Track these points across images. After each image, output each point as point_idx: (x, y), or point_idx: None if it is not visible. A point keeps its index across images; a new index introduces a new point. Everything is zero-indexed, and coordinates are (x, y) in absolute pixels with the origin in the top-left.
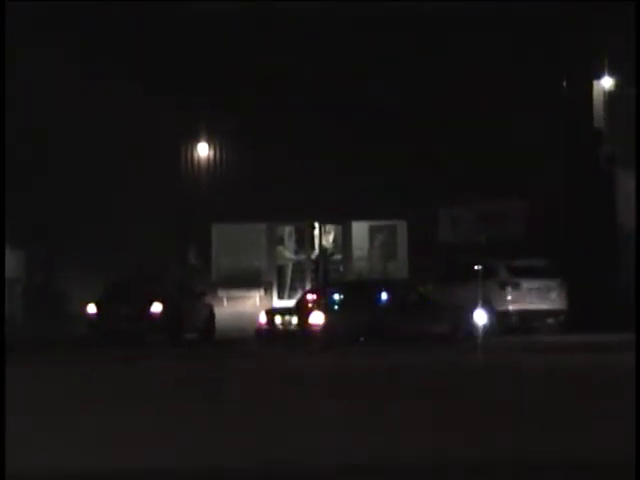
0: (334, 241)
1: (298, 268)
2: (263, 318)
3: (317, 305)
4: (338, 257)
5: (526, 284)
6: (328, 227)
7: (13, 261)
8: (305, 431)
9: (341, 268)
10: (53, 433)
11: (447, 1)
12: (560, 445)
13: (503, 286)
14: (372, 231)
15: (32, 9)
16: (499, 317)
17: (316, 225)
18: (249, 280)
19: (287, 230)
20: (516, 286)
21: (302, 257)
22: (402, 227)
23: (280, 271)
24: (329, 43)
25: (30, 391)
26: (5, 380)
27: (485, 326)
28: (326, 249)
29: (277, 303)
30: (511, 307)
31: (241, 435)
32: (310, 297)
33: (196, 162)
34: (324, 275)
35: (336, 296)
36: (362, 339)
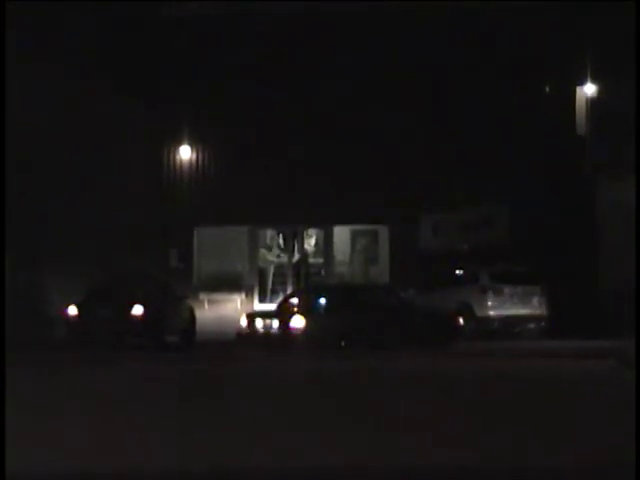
0: (316, 245)
1: (280, 271)
2: (244, 321)
3: (298, 309)
4: (319, 261)
5: (507, 289)
6: (310, 231)
7: None
8: (281, 437)
9: (322, 272)
10: (31, 434)
11: (428, 0)
12: (552, 453)
13: (484, 291)
14: (354, 235)
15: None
16: (480, 322)
17: (298, 229)
18: (230, 283)
19: (269, 233)
20: (497, 291)
21: (284, 260)
22: (384, 232)
23: (262, 274)
24: (314, 45)
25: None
26: (5, 381)
27: (466, 331)
28: (307, 253)
29: (258, 306)
30: (492, 312)
31: (211, 440)
32: (291, 301)
33: (178, 165)
34: (305, 279)
35: (317, 300)
36: (343, 344)
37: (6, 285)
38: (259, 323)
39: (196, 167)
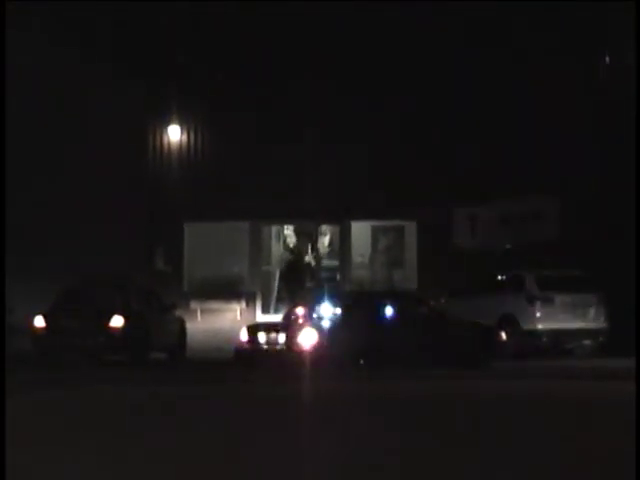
0: (330, 244)
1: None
2: (244, 335)
3: (308, 321)
4: (334, 263)
5: (559, 298)
6: (323, 227)
7: None
8: None
9: (338, 276)
10: None
11: None
12: None
13: (531, 300)
14: (375, 233)
15: None
16: (526, 337)
17: (309, 225)
18: (228, 290)
19: (274, 231)
20: (547, 301)
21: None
22: (411, 229)
23: (265, 279)
24: (320, 18)
25: None
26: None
27: (509, 348)
28: (320, 253)
29: (261, 318)
30: (541, 325)
31: None
32: (300, 311)
33: (166, 148)
34: (317, 285)
35: (331, 310)
36: (362, 361)
37: None
38: (262, 337)
39: (187, 151)
